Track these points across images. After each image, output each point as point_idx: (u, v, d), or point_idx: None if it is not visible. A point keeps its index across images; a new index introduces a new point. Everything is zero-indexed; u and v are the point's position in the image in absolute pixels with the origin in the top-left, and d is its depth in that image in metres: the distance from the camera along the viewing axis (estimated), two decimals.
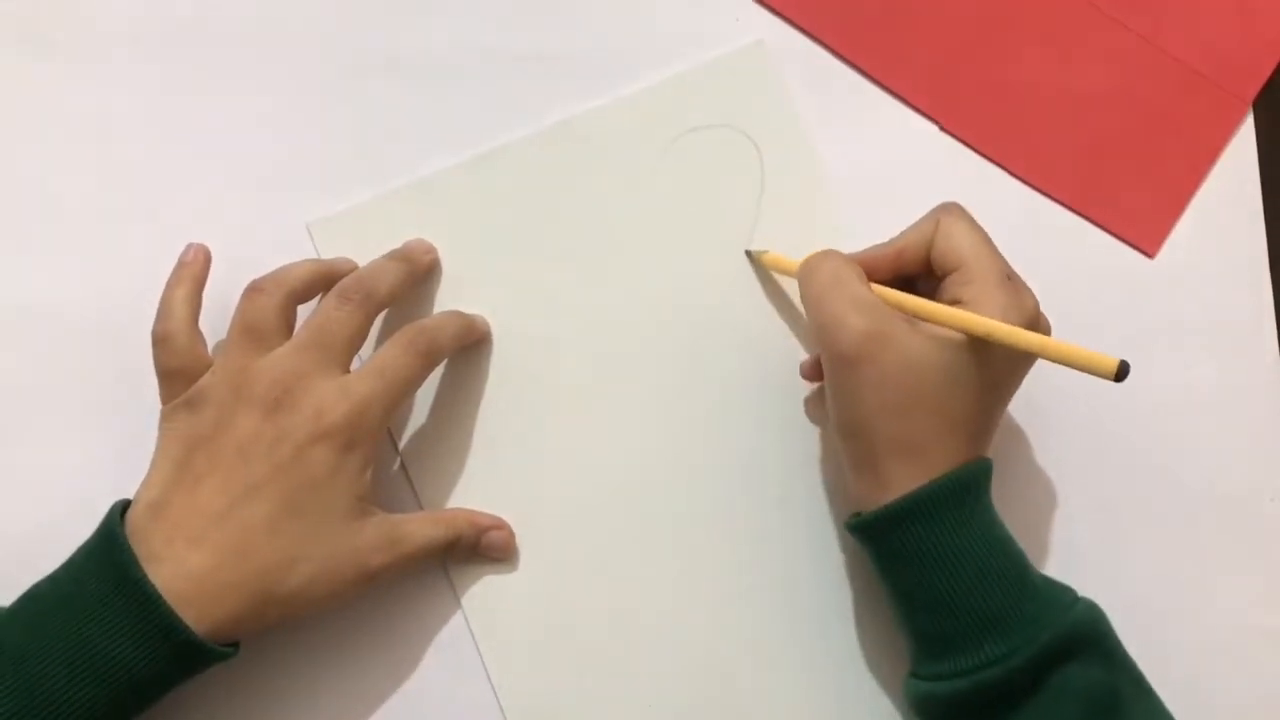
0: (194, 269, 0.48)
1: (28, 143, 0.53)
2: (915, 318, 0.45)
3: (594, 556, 0.51)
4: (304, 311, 0.49)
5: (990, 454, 0.46)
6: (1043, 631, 0.42)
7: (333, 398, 0.45)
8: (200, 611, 0.43)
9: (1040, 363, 0.52)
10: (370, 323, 0.48)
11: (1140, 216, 0.54)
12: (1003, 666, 0.42)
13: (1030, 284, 0.53)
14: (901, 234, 0.48)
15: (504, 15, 0.55)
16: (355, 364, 0.48)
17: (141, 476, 0.46)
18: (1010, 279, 0.45)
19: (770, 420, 0.52)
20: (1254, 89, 0.55)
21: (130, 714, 0.43)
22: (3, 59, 0.54)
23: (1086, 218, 0.54)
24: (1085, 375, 0.52)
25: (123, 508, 0.45)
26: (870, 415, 0.44)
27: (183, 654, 0.43)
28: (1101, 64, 0.55)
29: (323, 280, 0.49)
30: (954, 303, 0.45)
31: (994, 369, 0.44)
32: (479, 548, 0.50)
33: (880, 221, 0.49)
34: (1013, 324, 0.43)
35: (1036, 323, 0.45)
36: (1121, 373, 0.39)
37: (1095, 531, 0.52)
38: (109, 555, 0.43)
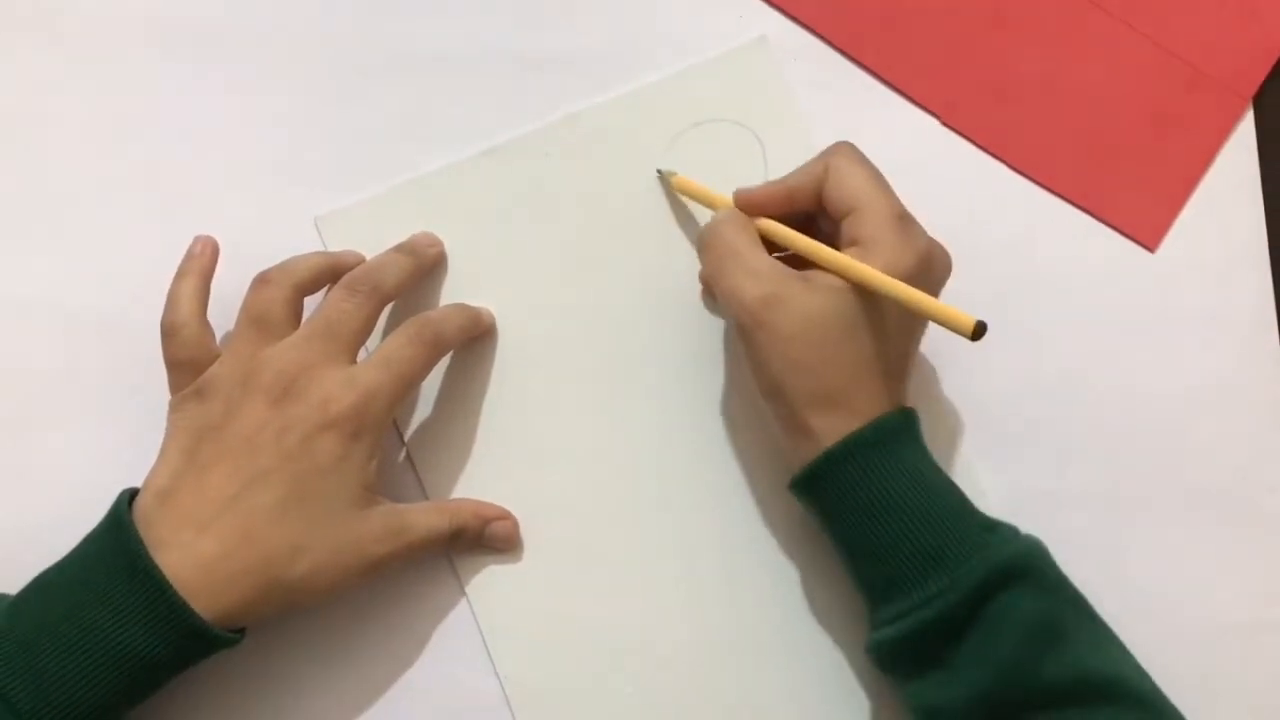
0: (202, 261, 0.49)
1: (37, 137, 0.54)
2: (805, 259, 0.46)
3: (597, 547, 0.51)
4: (310, 304, 0.49)
5: (911, 402, 0.47)
6: (977, 565, 0.43)
7: (339, 388, 0.46)
8: (207, 598, 0.43)
9: (1041, 360, 0.53)
10: (377, 315, 0.49)
11: (1141, 211, 0.54)
12: (941, 601, 0.43)
13: (1030, 277, 0.54)
14: (792, 173, 0.48)
15: (511, 13, 0.55)
16: (362, 356, 0.48)
17: (151, 466, 0.46)
18: (902, 218, 0.46)
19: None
20: (1254, 85, 0.55)
21: (137, 699, 0.44)
22: (15, 54, 0.54)
23: (1088, 212, 0.54)
24: (1094, 369, 0.53)
25: (131, 496, 0.46)
26: (782, 374, 0.45)
27: (190, 640, 0.43)
28: (1102, 60, 0.55)
29: (330, 273, 0.50)
30: (852, 243, 0.45)
31: (890, 313, 0.45)
32: (483, 538, 0.50)
33: None
34: (905, 262, 0.44)
35: (929, 259, 0.46)
36: (978, 332, 0.41)
37: (1096, 524, 0.52)
38: (117, 542, 0.44)
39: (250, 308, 0.47)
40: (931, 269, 0.46)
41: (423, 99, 0.54)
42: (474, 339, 0.52)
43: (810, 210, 0.48)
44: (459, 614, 0.51)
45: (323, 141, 0.54)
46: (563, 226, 0.53)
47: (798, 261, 0.46)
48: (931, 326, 0.46)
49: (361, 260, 0.51)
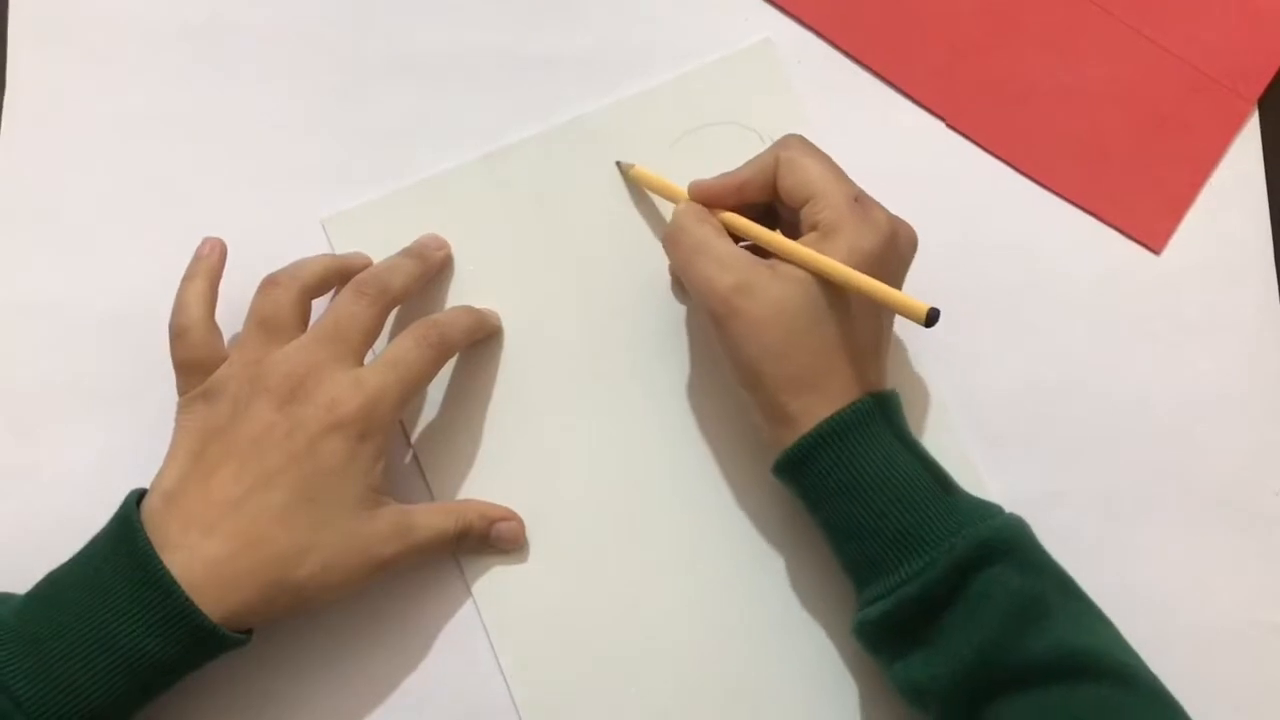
0: (210, 263, 0.49)
1: (44, 138, 0.54)
2: (768, 251, 0.47)
3: (603, 547, 0.51)
4: (318, 307, 0.50)
5: (890, 385, 0.48)
6: (958, 543, 0.43)
7: (346, 389, 0.46)
8: (214, 599, 0.43)
9: (1045, 362, 0.53)
10: (384, 317, 0.49)
11: (1146, 213, 0.54)
12: (921, 579, 0.43)
13: (1035, 280, 0.54)
14: (743, 166, 0.49)
15: (517, 16, 0.55)
16: (369, 358, 0.49)
17: (158, 468, 0.46)
18: (859, 200, 0.46)
19: None
20: (1259, 89, 0.55)
21: (144, 699, 0.44)
22: (23, 56, 0.54)
23: (1093, 214, 0.54)
24: (1098, 371, 0.53)
25: (138, 497, 0.46)
26: (756, 361, 0.45)
27: (197, 640, 0.43)
28: (1107, 63, 0.55)
29: (337, 275, 0.50)
30: (813, 228, 0.46)
31: (855, 297, 0.46)
32: (489, 539, 0.50)
33: None
34: (868, 242, 0.45)
35: (893, 236, 0.46)
36: (931, 318, 0.41)
37: (1100, 526, 0.52)
38: (125, 543, 0.44)
39: (258, 310, 0.48)
40: (896, 245, 0.46)
41: (429, 101, 0.54)
42: (480, 341, 0.52)
43: (764, 201, 0.49)
44: (465, 614, 0.51)
45: (329, 143, 0.54)
46: (569, 229, 0.53)
47: (760, 250, 0.47)
48: (888, 336, 0.46)
49: (369, 262, 0.51)
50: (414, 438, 0.52)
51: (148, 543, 0.43)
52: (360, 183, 0.54)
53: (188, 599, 0.43)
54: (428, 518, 0.49)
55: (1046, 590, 0.44)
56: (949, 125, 0.55)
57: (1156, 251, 0.54)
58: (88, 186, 0.54)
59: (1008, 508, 0.46)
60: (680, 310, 0.53)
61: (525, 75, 0.55)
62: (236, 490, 0.45)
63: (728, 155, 0.53)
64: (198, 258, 0.49)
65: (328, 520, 0.45)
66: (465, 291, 0.53)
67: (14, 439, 0.52)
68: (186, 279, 0.49)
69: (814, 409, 0.45)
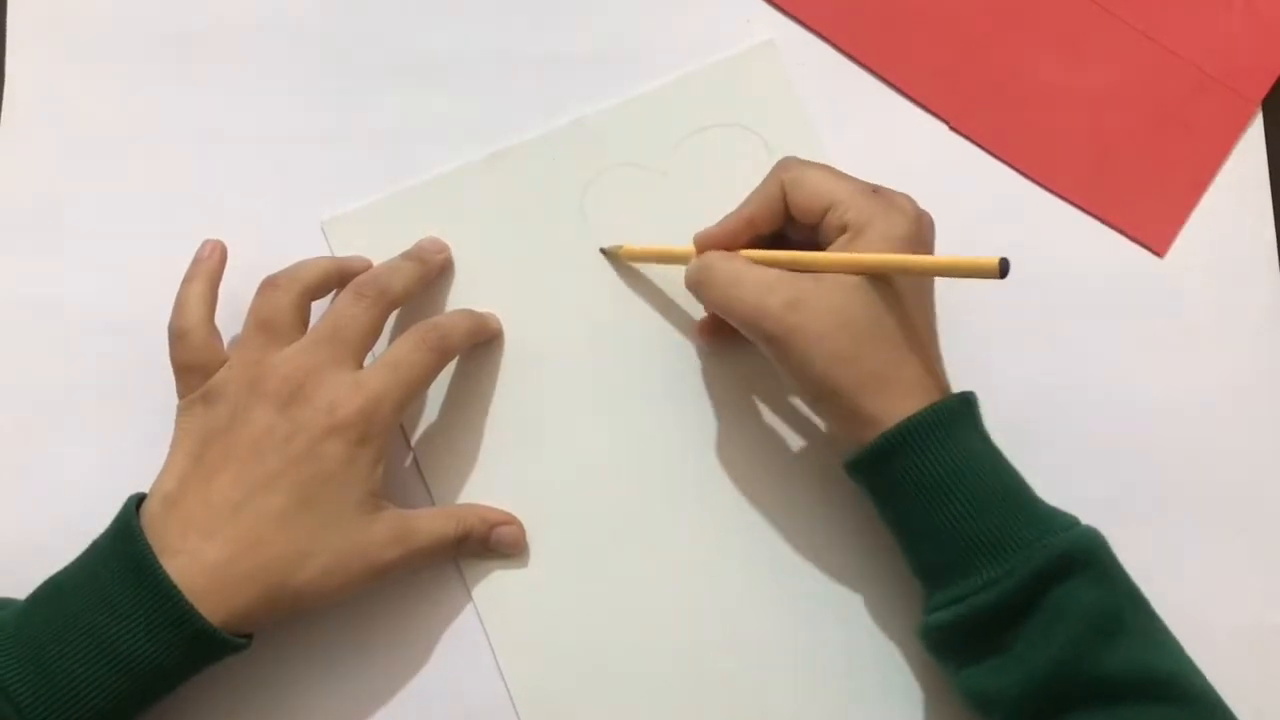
0: (210, 265, 0.49)
1: (44, 138, 0.54)
2: (813, 271, 0.46)
3: (603, 550, 0.51)
4: (318, 309, 0.49)
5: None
6: (1036, 553, 0.43)
7: (346, 392, 0.46)
8: (214, 603, 0.43)
9: (1049, 364, 0.53)
10: (384, 320, 0.49)
11: (1150, 215, 0.54)
12: (998, 589, 0.43)
13: (1039, 283, 0.54)
14: (747, 201, 0.48)
15: (518, 17, 0.55)
16: (369, 361, 0.48)
17: (158, 471, 0.46)
18: (876, 191, 0.46)
19: (778, 412, 0.52)
20: (1263, 89, 0.55)
21: (145, 704, 0.44)
22: (26, 58, 0.54)
23: (1096, 216, 0.54)
24: (1102, 374, 0.53)
25: (138, 501, 0.46)
26: (827, 371, 0.44)
27: (197, 645, 0.43)
28: (1110, 64, 0.55)
29: (337, 277, 0.50)
30: (841, 231, 0.45)
31: (903, 288, 0.45)
32: (489, 543, 0.50)
33: None
34: (901, 227, 0.45)
35: (919, 217, 0.46)
36: (1004, 269, 0.40)
37: (1104, 528, 0.52)
38: (125, 547, 0.44)
39: (257, 312, 0.47)
40: (923, 226, 0.46)
41: (430, 103, 0.54)
42: (481, 344, 0.52)
43: (774, 231, 0.48)
44: (465, 618, 0.51)
45: (329, 145, 0.54)
46: (569, 231, 0.53)
47: None
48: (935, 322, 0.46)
49: (368, 265, 0.51)
50: (414, 441, 0.52)
51: (148, 548, 0.43)
52: (360, 185, 0.53)
53: (188, 603, 0.43)
54: (428, 522, 0.48)
55: (1122, 605, 0.44)
56: (952, 128, 0.55)
57: (1160, 254, 0.54)
58: (88, 187, 0.54)
59: None
60: (682, 315, 0.53)
61: (526, 77, 0.54)
62: (236, 494, 0.45)
63: (730, 157, 0.53)
64: (198, 260, 0.49)
65: (327, 524, 0.45)
66: (466, 294, 0.53)
67: (13, 442, 0.52)
68: (186, 281, 0.49)
69: (894, 406, 0.44)
